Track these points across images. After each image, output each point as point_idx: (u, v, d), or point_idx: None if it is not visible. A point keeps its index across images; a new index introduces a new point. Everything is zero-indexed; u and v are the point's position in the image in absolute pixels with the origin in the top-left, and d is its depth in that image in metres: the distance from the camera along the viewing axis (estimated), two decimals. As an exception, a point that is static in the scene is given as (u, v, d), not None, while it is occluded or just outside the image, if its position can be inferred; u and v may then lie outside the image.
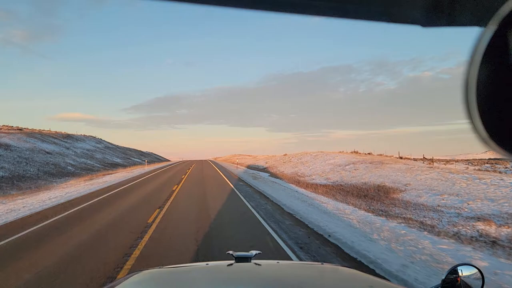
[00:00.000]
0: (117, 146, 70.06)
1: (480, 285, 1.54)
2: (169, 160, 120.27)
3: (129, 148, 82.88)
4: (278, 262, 2.02)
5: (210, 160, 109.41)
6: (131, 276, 1.82)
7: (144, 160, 59.61)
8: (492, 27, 0.40)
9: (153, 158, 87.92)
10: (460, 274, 1.56)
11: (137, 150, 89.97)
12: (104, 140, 67.08)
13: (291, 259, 5.32)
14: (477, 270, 1.57)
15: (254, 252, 2.03)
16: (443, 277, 1.57)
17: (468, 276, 1.56)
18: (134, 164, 52.26)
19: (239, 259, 1.93)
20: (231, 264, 1.86)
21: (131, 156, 60.64)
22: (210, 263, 2.02)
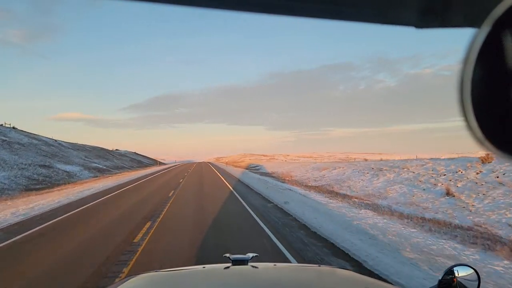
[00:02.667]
0: (54, 143, 37.67)
1: (476, 286, 1.58)
2: (162, 163, 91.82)
3: (84, 146, 51.41)
4: (275, 265, 2.10)
5: (212, 163, 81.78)
6: (127, 280, 1.81)
7: (88, 170, 25.77)
8: (485, 28, 0.41)
9: (126, 162, 54.99)
10: (456, 274, 1.60)
11: (104, 149, 58.64)
12: (26, 132, 35.54)
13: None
14: (473, 271, 1.62)
15: (251, 254, 2.01)
16: (440, 278, 1.62)
17: (464, 277, 1.60)
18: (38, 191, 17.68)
19: (236, 262, 1.92)
20: (228, 267, 1.86)
21: (62, 162, 26.19)
22: (207, 266, 2.03)
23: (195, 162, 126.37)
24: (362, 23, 0.62)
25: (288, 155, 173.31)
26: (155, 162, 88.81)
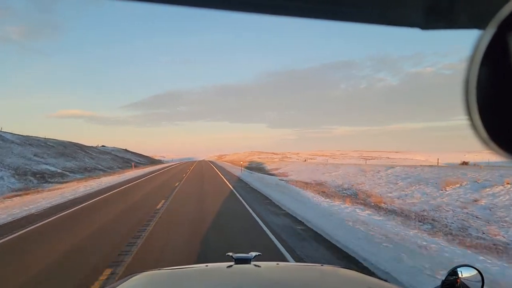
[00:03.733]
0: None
1: (480, 287, 1.59)
2: (160, 162, 78.35)
3: (47, 140, 38.83)
4: (277, 264, 2.10)
5: (215, 163, 66.21)
6: (129, 278, 1.81)
7: None
8: (491, 29, 0.41)
9: (104, 162, 42.23)
10: (459, 275, 1.60)
11: (77, 145, 45.99)
12: None
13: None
14: (477, 272, 1.61)
15: (253, 253, 2.01)
16: (443, 279, 1.62)
17: (467, 278, 1.60)
18: None
19: (239, 261, 1.92)
20: (231, 266, 1.86)
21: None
22: (210, 264, 2.06)
23: (196, 161, 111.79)
24: (366, 24, 0.61)
25: (298, 153, 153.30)
26: (150, 161, 72.31)
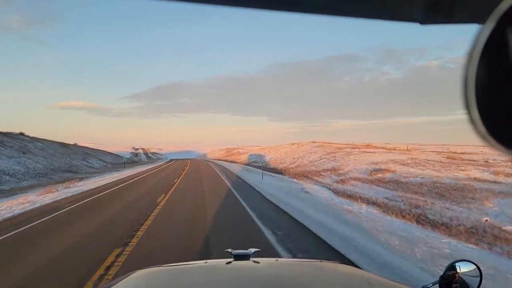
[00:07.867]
0: None
1: (478, 282, 1.57)
2: (77, 172, 55.47)
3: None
4: (277, 260, 2.16)
5: (217, 169, 32.04)
6: (128, 275, 1.83)
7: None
8: (490, 24, 0.41)
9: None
10: (458, 270, 1.58)
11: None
12: None
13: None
14: (475, 267, 1.60)
15: (253, 250, 2.06)
16: (441, 274, 1.61)
17: (466, 273, 1.58)
18: None
19: (238, 257, 1.95)
20: (230, 262, 1.89)
21: None
22: (209, 261, 2.07)
23: (188, 160, 77.91)
24: (365, 19, 0.62)
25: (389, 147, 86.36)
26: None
